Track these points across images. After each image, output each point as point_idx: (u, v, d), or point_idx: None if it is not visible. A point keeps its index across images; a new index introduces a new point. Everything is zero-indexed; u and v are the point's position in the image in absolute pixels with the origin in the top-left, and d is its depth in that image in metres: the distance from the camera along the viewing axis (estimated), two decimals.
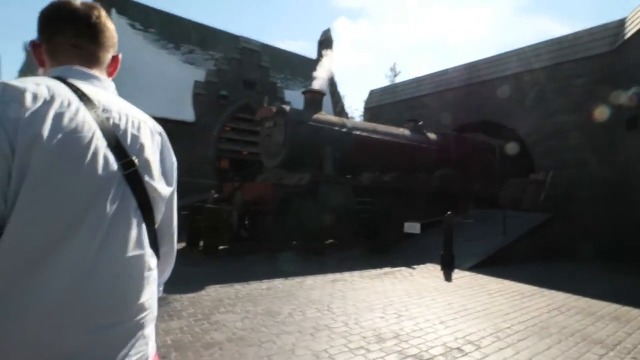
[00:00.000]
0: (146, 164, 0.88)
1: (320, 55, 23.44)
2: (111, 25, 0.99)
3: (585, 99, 10.87)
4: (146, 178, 0.88)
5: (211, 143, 15.85)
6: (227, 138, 16.62)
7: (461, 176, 11.19)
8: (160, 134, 0.97)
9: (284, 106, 9.06)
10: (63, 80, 0.85)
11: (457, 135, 12.42)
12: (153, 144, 0.93)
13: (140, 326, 0.84)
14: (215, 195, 8.41)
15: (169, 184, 0.96)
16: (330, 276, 5.89)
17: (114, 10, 16.11)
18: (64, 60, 0.92)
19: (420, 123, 12.01)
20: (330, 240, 8.48)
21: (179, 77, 16.26)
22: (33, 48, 0.96)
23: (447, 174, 11.01)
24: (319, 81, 11.43)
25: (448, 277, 6.08)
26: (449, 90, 15.54)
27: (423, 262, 7.16)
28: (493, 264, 7.14)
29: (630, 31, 9.60)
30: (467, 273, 6.48)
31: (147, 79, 15.12)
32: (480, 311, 4.31)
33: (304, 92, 9.97)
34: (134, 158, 0.85)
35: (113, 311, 0.80)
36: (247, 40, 18.33)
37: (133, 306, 0.83)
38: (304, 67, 22.17)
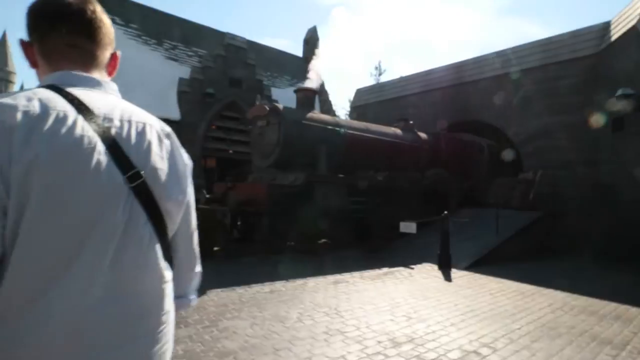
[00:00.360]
0: (155, 172, 0.82)
1: (306, 53, 23.29)
2: (107, 20, 0.91)
3: (571, 100, 11.15)
4: (156, 188, 0.82)
5: (197, 142, 15.52)
6: (214, 137, 16.31)
7: (452, 175, 11.31)
8: (168, 136, 0.90)
9: (277, 105, 8.92)
10: (59, 89, 0.78)
11: (447, 135, 12.55)
12: (162, 148, 0.86)
13: (157, 340, 0.82)
14: (207, 196, 8.21)
15: (182, 188, 0.90)
16: (331, 277, 5.82)
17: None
18: (60, 62, 0.84)
19: (411, 122, 12.07)
20: (323, 240, 8.42)
21: (162, 74, 15.83)
22: (24, 48, 0.87)
23: (438, 173, 11.10)
24: (311, 79, 11.34)
25: (447, 277, 6.10)
26: (437, 89, 15.68)
27: (419, 262, 7.17)
28: (488, 263, 7.22)
29: (615, 34, 9.89)
30: (465, 272, 6.52)
31: (129, 76, 14.60)
32: (486, 312, 4.32)
33: (296, 91, 9.85)
34: (140, 169, 0.79)
35: (128, 328, 0.78)
36: (232, 36, 18.01)
37: (149, 322, 0.81)
38: (290, 64, 22.00)
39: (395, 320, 3.92)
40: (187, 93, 15.61)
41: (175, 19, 18.48)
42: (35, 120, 0.70)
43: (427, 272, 6.42)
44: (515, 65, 12.92)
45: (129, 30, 16.36)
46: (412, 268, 6.63)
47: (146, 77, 15.04)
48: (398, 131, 11.37)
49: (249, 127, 10.71)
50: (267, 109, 8.86)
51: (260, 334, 3.41)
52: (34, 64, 0.88)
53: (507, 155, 12.14)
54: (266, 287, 5.04)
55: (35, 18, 0.84)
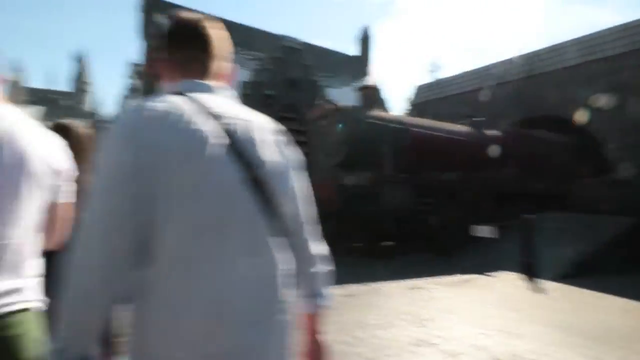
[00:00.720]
0: (266, 165, 0.89)
1: (360, 52, 23.05)
2: (220, 35, 1.03)
3: None
4: (268, 179, 0.88)
5: None
6: None
7: (526, 176, 10.46)
8: (278, 133, 0.98)
9: (340, 104, 8.80)
10: (184, 94, 0.89)
11: (519, 132, 11.65)
12: (273, 144, 0.94)
13: (284, 324, 0.87)
14: None
15: (292, 181, 0.96)
16: (404, 282, 5.55)
17: (158, 15, 16.50)
18: (183, 73, 0.96)
19: (478, 119, 11.38)
20: (390, 242, 8.14)
21: None
22: (154, 63, 1.01)
23: (510, 173, 10.32)
24: (371, 77, 11.09)
25: (535, 288, 5.55)
26: (504, 83, 14.69)
27: (495, 269, 6.63)
28: (580, 274, 6.50)
29: None
30: (555, 284, 5.89)
31: None
32: (592, 330, 3.81)
33: (360, 89, 9.66)
34: (255, 161, 0.86)
35: (263, 310, 0.84)
36: (289, 39, 18.26)
37: (279, 306, 0.87)
38: (344, 64, 21.87)
39: (487, 334, 3.56)
40: (249, 96, 16.03)
41: (234, 24, 19.08)
42: (161, 118, 0.80)
43: (510, 281, 5.90)
44: (597, 53, 11.70)
45: None
46: (492, 276, 6.13)
47: None
48: (465, 129, 10.76)
49: (309, 128, 10.69)
50: (330, 108, 8.77)
51: (345, 340, 3.26)
52: (162, 77, 1.00)
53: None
54: (338, 290, 4.88)
55: (168, 37, 0.99)
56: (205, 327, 0.78)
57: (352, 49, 23.32)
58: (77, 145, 1.74)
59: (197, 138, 0.80)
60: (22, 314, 1.11)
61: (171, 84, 0.96)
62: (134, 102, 0.85)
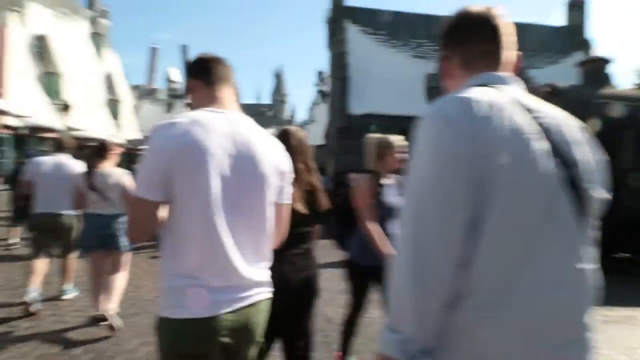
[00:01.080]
0: (583, 166, 0.83)
1: (571, 19, 19.06)
2: (510, 23, 0.99)
3: None
4: (584, 182, 0.82)
5: None
6: None
7: None
8: (584, 132, 0.90)
9: (558, 85, 7.42)
10: (489, 86, 0.88)
11: None
12: (584, 144, 0.87)
13: (590, 343, 0.80)
14: None
15: (602, 184, 0.88)
16: None
17: (350, 21, 17.53)
18: (477, 67, 0.94)
19: None
20: (626, 255, 6.50)
21: (409, 73, 16.30)
22: (442, 61, 1.01)
23: None
24: (595, 48, 9.01)
25: None
26: None
27: None
28: None
29: None
30: None
31: (379, 79, 15.78)
32: None
33: (582, 64, 7.93)
34: (571, 160, 0.81)
35: (574, 327, 0.78)
36: None
37: (586, 322, 0.79)
38: (548, 38, 18.51)
39: None
40: (434, 88, 15.48)
41: (419, 17, 18.64)
42: (482, 110, 0.78)
43: None
44: None
45: (378, 37, 17.60)
46: None
47: (393, 77, 15.84)
48: None
49: None
50: (544, 91, 7.49)
51: None
52: (449, 75, 1.00)
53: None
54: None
55: (455, 32, 0.98)
56: (524, 334, 0.74)
57: (559, 19, 19.64)
58: (297, 148, 1.89)
59: (518, 131, 0.78)
60: (262, 303, 1.30)
61: (469, 78, 0.93)
62: (451, 95, 0.84)
